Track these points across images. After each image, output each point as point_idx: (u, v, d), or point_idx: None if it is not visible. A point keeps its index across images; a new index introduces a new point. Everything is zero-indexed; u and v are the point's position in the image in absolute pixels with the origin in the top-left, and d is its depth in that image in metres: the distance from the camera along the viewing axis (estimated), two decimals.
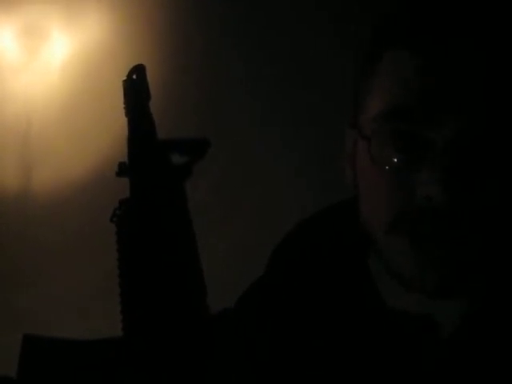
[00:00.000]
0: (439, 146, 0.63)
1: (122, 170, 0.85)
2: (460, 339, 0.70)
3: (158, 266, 0.80)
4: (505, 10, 0.67)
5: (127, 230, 0.82)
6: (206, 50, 1.69)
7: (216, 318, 0.79)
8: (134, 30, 1.77)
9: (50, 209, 1.81)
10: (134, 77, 0.93)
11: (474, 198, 0.64)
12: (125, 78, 0.94)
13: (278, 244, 0.83)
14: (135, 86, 0.92)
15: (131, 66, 0.94)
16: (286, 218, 0.82)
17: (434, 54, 0.64)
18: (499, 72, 0.65)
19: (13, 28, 1.89)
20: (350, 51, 1.21)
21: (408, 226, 0.65)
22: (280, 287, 0.80)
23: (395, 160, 0.66)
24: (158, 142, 0.88)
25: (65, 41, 1.85)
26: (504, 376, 0.68)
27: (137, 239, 0.81)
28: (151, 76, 0.94)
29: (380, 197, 0.67)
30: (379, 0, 0.75)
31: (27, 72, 1.87)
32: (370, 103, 0.69)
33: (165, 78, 1.63)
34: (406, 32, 0.67)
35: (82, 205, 1.77)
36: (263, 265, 0.83)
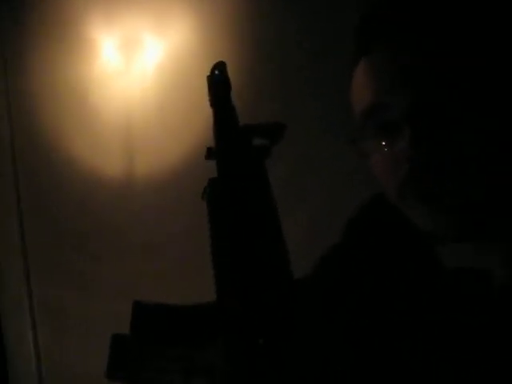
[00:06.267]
0: (403, 122, 0.64)
1: (210, 153, 0.83)
2: (504, 290, 0.65)
3: (245, 237, 0.77)
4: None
5: (216, 205, 0.80)
6: (284, 46, 1.66)
7: (298, 282, 0.76)
8: (214, 34, 1.76)
9: (151, 189, 1.82)
10: (217, 72, 0.91)
11: (446, 147, 0.63)
12: (208, 73, 0.92)
13: (353, 215, 0.81)
14: (218, 80, 0.90)
15: (213, 64, 0.92)
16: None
17: (383, 57, 0.66)
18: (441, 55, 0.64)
19: (113, 41, 1.91)
20: None
21: (407, 190, 0.66)
22: (354, 253, 0.78)
23: (379, 146, 0.67)
24: (239, 127, 0.85)
25: (156, 48, 1.86)
26: None
27: (224, 213, 0.79)
28: (231, 70, 0.92)
29: (382, 179, 0.69)
30: None
31: (127, 76, 1.88)
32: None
33: (244, 72, 1.61)
34: (364, 43, 0.69)
35: (177, 184, 1.77)
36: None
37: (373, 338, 0.71)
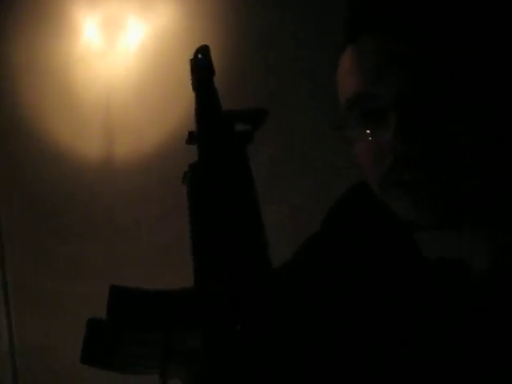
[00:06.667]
0: (389, 111, 0.64)
1: (192, 138, 0.83)
2: (490, 277, 0.66)
3: (224, 223, 0.77)
4: None
5: (196, 190, 0.79)
6: (265, 32, 1.65)
7: (278, 268, 0.76)
8: (200, 18, 1.74)
9: (130, 172, 1.81)
10: (200, 56, 0.90)
11: (430, 137, 0.63)
12: (191, 57, 0.91)
13: (335, 202, 0.81)
14: (201, 64, 0.89)
15: (197, 47, 0.91)
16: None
17: (371, 44, 0.66)
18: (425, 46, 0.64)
19: (95, 20, 1.89)
20: None
21: (392, 180, 0.65)
22: (334, 240, 0.78)
23: (364, 135, 0.67)
24: (222, 112, 0.85)
25: (139, 28, 1.84)
26: None
27: (205, 199, 0.78)
28: (215, 55, 0.91)
29: (366, 168, 0.69)
30: None
31: (108, 56, 1.86)
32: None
33: (227, 57, 1.60)
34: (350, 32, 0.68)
35: (157, 169, 1.76)
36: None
37: (352, 325, 0.71)
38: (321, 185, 1.52)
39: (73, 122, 1.87)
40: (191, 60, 0.91)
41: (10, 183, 1.92)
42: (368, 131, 0.67)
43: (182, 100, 1.54)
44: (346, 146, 0.72)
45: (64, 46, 1.88)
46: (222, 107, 0.86)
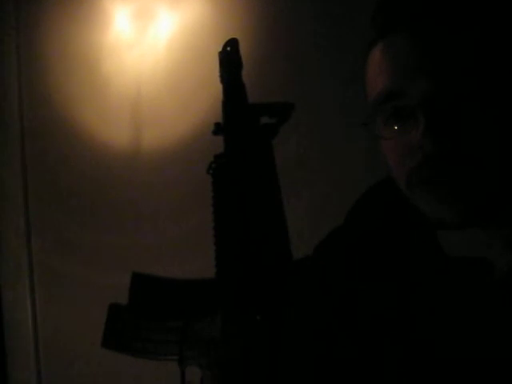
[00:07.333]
0: (418, 110, 0.64)
1: (218, 129, 0.83)
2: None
3: (247, 214, 0.77)
4: None
5: (220, 181, 0.80)
6: (295, 25, 1.65)
7: (298, 262, 0.76)
8: (228, 10, 1.75)
9: (157, 163, 1.82)
10: (228, 49, 0.91)
11: (459, 137, 0.63)
12: (220, 50, 0.92)
13: (358, 200, 0.80)
14: (229, 57, 0.90)
15: (226, 40, 0.92)
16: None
17: (400, 42, 0.65)
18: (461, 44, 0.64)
19: (126, 12, 1.90)
20: None
21: (419, 177, 0.65)
22: (355, 237, 0.78)
23: (393, 132, 0.67)
24: (248, 105, 0.85)
25: (169, 20, 1.85)
26: None
27: (229, 189, 0.79)
28: (243, 48, 0.92)
29: (393, 165, 0.69)
30: None
31: (139, 48, 1.87)
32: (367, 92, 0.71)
33: (255, 50, 1.60)
34: (380, 28, 0.68)
35: (183, 159, 1.77)
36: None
37: (371, 322, 0.71)
38: (345, 178, 1.52)
39: (102, 112, 1.88)
40: (220, 53, 0.91)
41: (38, 172, 1.94)
42: (396, 128, 0.67)
43: (210, 92, 1.54)
44: (371, 142, 0.71)
45: (95, 36, 1.90)
46: (248, 100, 0.86)
